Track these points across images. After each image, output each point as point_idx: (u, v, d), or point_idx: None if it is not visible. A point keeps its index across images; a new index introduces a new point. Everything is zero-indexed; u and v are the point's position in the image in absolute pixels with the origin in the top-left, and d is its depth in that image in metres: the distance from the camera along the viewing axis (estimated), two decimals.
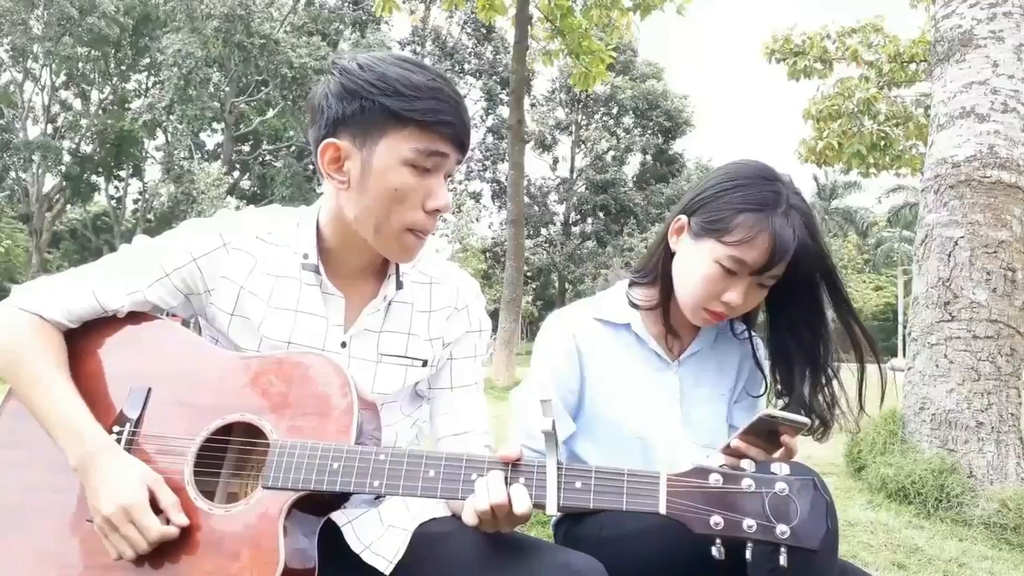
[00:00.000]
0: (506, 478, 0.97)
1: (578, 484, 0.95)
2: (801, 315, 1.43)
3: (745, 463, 0.93)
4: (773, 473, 0.91)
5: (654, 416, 1.46)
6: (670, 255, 1.45)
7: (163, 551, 1.00)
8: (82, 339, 1.15)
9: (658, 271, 1.47)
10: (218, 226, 1.21)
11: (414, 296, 1.27)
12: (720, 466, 0.93)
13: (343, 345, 1.20)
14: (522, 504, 0.95)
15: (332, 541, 1.12)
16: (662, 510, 0.92)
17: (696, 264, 1.38)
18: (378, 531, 1.14)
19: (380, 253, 1.19)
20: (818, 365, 1.44)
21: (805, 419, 1.20)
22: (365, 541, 1.12)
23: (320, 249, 1.19)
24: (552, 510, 0.95)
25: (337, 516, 1.14)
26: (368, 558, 1.10)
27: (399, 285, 1.23)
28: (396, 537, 1.13)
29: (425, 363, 1.26)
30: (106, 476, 1.02)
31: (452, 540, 1.11)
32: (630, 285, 1.53)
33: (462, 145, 1.12)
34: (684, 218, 1.42)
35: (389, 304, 1.24)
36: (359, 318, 1.21)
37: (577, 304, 1.54)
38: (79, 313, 1.15)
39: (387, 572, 1.09)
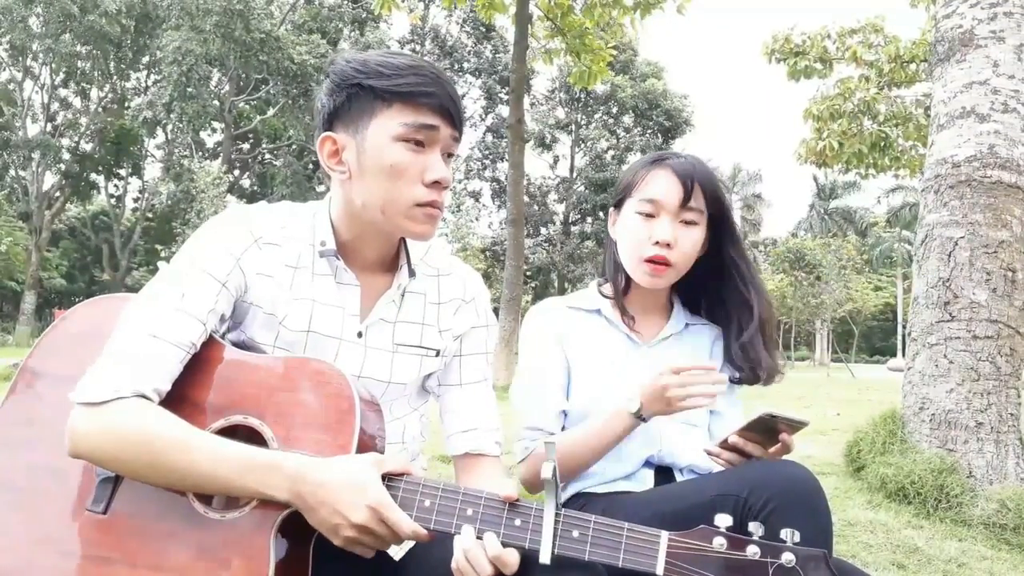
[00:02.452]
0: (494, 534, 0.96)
1: (575, 533, 0.94)
2: (729, 260, 1.53)
3: (753, 526, 0.90)
4: (782, 541, 0.88)
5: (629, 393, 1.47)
6: (616, 245, 1.56)
7: (156, 553, 0.99)
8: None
9: (613, 261, 1.57)
10: (244, 223, 1.17)
11: (425, 287, 1.28)
12: (726, 528, 0.90)
13: (359, 335, 1.20)
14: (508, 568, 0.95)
15: None
16: (659, 571, 0.90)
17: (624, 228, 1.52)
18: None
19: (399, 235, 1.21)
20: (752, 309, 1.53)
21: (804, 419, 1.24)
22: None
23: (336, 241, 1.20)
24: (545, 559, 0.93)
25: None
26: None
27: (412, 273, 1.24)
28: None
29: (438, 353, 1.28)
30: (331, 485, 0.95)
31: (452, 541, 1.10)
32: (600, 284, 1.62)
33: (451, 117, 1.13)
34: (612, 209, 1.59)
35: (403, 294, 1.25)
36: (375, 308, 1.22)
37: (549, 299, 1.63)
38: (172, 370, 1.05)
39: (397, 558, 1.11)
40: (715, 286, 1.57)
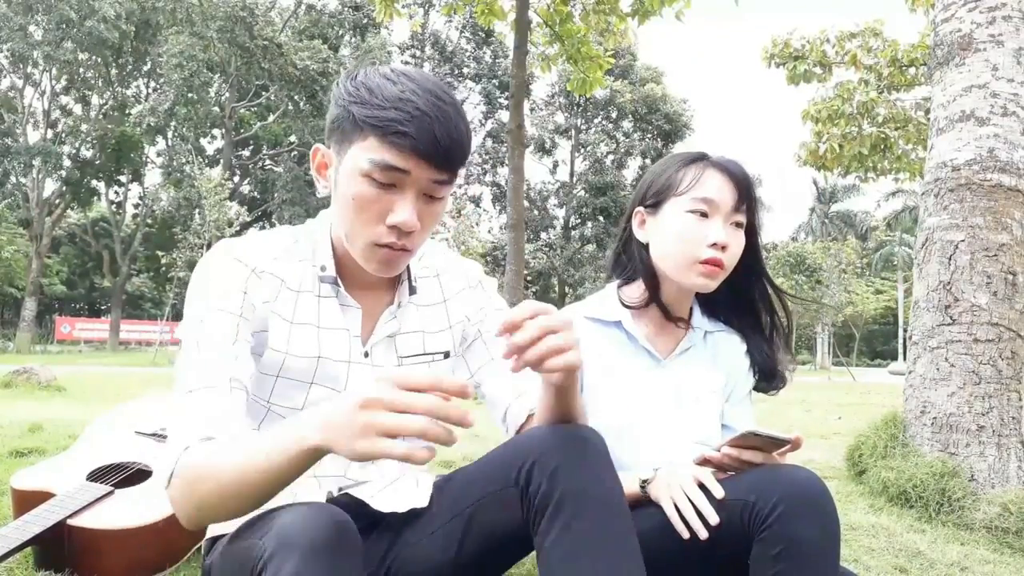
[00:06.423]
0: None
1: None
2: (754, 264, 1.51)
3: None
4: None
5: (648, 413, 1.46)
6: (645, 247, 1.49)
7: None
8: None
9: (640, 265, 1.50)
10: (232, 256, 1.12)
11: (424, 291, 1.27)
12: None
13: (366, 355, 1.20)
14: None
15: (358, 509, 1.17)
16: None
17: (669, 228, 1.44)
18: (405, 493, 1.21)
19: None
20: (771, 312, 1.56)
21: (787, 437, 1.21)
22: (393, 506, 1.19)
23: (336, 261, 1.17)
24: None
25: (362, 493, 1.20)
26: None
27: (412, 290, 1.23)
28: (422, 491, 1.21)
29: (447, 354, 1.27)
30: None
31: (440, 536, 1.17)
32: (619, 287, 1.54)
33: (431, 160, 1.00)
34: (641, 209, 1.50)
35: (399, 307, 1.23)
36: (377, 327, 1.21)
37: (568, 307, 1.55)
38: (217, 414, 1.02)
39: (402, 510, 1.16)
40: (741, 291, 1.53)
